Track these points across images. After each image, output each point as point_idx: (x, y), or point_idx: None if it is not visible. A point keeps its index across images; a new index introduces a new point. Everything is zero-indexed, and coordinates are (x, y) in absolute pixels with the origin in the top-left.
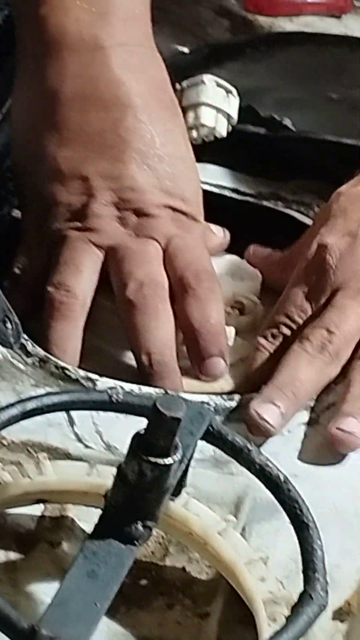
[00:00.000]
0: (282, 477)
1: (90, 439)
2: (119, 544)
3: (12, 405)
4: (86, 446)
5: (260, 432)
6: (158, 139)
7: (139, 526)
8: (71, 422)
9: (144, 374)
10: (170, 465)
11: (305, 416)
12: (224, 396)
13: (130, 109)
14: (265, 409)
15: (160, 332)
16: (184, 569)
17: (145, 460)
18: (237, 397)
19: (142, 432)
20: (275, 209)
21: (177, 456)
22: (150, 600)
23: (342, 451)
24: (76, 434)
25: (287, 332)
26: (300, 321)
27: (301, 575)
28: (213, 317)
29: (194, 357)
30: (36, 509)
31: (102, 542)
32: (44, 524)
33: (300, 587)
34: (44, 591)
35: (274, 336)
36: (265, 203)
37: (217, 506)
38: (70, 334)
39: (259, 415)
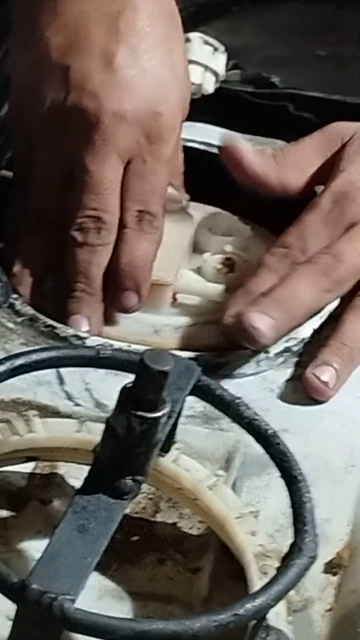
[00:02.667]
0: (271, 431)
1: (80, 397)
2: (109, 499)
3: (0, 362)
4: (76, 404)
5: (251, 340)
6: (153, 38)
7: (128, 481)
8: (61, 380)
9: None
10: (159, 418)
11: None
12: (213, 353)
13: (131, 4)
14: (258, 318)
15: (94, 267)
16: (175, 524)
17: (133, 414)
18: (226, 354)
19: (130, 385)
20: None
21: (166, 410)
22: (142, 556)
23: (313, 396)
24: (66, 392)
25: (296, 254)
26: (311, 246)
27: (291, 529)
28: (138, 255)
29: (111, 289)
30: (27, 467)
31: (91, 497)
32: (34, 482)
33: (291, 541)
34: (36, 548)
35: (282, 255)
36: None
37: (208, 462)
38: None
39: (250, 324)
